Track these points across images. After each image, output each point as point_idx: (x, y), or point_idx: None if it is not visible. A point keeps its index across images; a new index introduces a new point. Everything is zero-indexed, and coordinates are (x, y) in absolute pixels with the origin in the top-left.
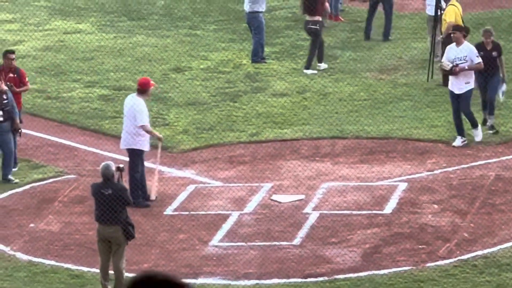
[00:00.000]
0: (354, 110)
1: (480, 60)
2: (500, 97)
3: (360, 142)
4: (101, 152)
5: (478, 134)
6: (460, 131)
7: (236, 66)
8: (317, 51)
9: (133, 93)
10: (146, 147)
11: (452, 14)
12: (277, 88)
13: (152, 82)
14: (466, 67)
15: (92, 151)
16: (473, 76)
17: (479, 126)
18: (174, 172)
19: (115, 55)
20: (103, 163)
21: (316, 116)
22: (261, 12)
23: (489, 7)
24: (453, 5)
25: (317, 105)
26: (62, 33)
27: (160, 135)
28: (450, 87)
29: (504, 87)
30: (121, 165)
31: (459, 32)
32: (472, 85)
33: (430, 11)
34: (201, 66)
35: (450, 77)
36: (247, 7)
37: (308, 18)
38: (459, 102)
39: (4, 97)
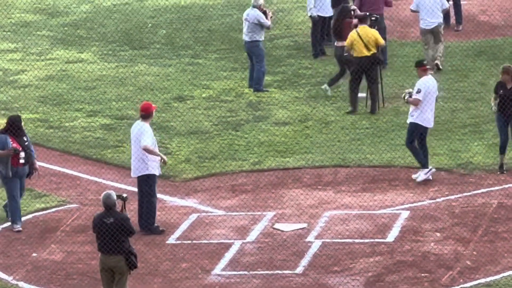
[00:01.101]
0: (357, 138)
1: (417, 96)
2: None
3: (362, 170)
4: (104, 181)
5: (420, 176)
6: (421, 163)
7: (238, 95)
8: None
9: (138, 120)
10: (157, 171)
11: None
12: (279, 117)
13: (153, 105)
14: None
15: (94, 180)
16: (418, 110)
17: (427, 169)
18: (177, 201)
19: (117, 84)
20: (104, 192)
21: (318, 144)
22: (260, 41)
23: (491, 35)
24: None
25: (319, 134)
26: (64, 63)
27: (165, 157)
28: None
29: None
30: (124, 195)
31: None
32: (415, 119)
33: (423, 24)
34: (203, 95)
35: None
36: (246, 37)
37: (337, 44)
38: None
39: (25, 138)
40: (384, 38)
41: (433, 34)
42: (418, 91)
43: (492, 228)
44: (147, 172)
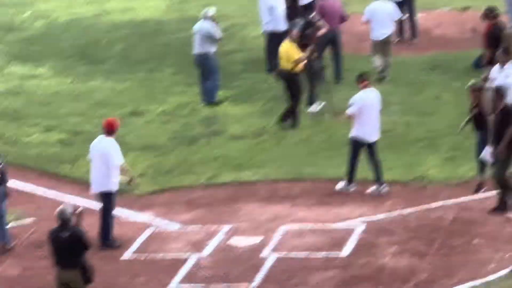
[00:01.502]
0: (312, 152)
1: (349, 110)
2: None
3: (318, 184)
4: (60, 196)
5: (340, 186)
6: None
7: (193, 110)
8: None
9: (101, 135)
10: (116, 187)
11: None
12: (234, 131)
13: (118, 121)
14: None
15: (51, 195)
16: (357, 124)
17: (347, 183)
18: (132, 215)
19: (73, 99)
20: (60, 207)
21: (273, 158)
22: (212, 53)
23: (446, 48)
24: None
25: (274, 148)
26: (20, 78)
27: (134, 174)
28: None
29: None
30: (80, 209)
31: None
32: (353, 133)
33: (374, 36)
34: (159, 110)
35: None
36: (197, 50)
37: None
38: None
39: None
40: (339, 54)
41: (384, 45)
42: (351, 105)
43: (448, 242)
44: (110, 188)
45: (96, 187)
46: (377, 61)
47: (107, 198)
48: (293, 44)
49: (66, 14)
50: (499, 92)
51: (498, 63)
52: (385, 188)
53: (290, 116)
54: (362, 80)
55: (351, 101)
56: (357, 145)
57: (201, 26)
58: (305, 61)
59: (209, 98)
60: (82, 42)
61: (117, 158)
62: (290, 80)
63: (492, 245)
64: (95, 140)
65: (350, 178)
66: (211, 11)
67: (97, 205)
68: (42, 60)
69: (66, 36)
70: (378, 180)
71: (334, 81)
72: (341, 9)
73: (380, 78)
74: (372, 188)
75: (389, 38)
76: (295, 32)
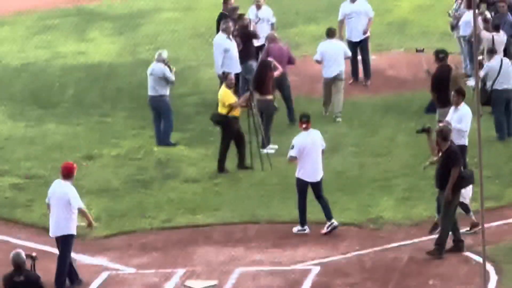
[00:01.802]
0: (266, 194)
1: (290, 153)
2: None
3: (272, 226)
4: (14, 240)
5: (295, 230)
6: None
7: (147, 153)
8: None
9: (58, 180)
10: (75, 231)
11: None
12: (188, 174)
13: (75, 165)
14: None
15: (4, 240)
16: (299, 165)
17: (300, 225)
18: (87, 259)
19: (26, 143)
20: (13, 251)
21: (228, 201)
22: (166, 95)
23: (399, 89)
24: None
25: (228, 190)
26: None
27: (92, 217)
28: None
29: None
30: (33, 254)
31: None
32: (297, 174)
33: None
34: (112, 153)
35: None
36: (151, 92)
37: (259, 97)
38: None
39: None
40: (289, 96)
41: (336, 82)
42: (292, 147)
43: (403, 282)
44: (69, 232)
45: (55, 231)
46: (327, 104)
47: (66, 241)
48: (227, 90)
49: (18, 58)
50: (442, 133)
51: (453, 105)
52: (334, 223)
53: (223, 164)
54: (302, 122)
55: (292, 143)
56: (301, 186)
57: (154, 68)
58: (242, 106)
59: (164, 141)
60: (34, 86)
61: (76, 201)
62: (224, 124)
63: (447, 286)
64: (53, 185)
65: (302, 221)
66: (164, 53)
67: (52, 249)
68: None
69: (18, 81)
70: (327, 218)
71: (289, 123)
72: (289, 52)
73: (334, 117)
74: (326, 226)
75: (340, 75)
76: (230, 77)
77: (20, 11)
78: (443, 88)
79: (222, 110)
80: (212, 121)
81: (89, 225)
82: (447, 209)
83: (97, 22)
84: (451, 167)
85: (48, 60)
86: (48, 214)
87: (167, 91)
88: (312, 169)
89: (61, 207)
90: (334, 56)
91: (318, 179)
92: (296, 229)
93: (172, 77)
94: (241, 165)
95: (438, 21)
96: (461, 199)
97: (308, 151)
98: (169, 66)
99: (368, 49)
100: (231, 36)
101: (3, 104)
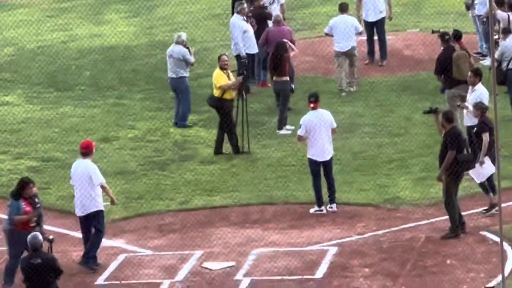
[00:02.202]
0: (283, 175)
1: (298, 133)
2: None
3: (289, 207)
4: None
5: (312, 210)
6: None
7: (163, 135)
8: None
9: (78, 159)
10: (102, 206)
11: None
12: (205, 156)
13: (93, 143)
14: None
15: None
16: (308, 145)
17: (317, 206)
18: (104, 241)
19: (42, 126)
20: (31, 234)
21: (245, 182)
22: (186, 76)
23: (415, 69)
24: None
25: (245, 172)
26: None
27: (113, 196)
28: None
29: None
30: (50, 236)
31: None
32: (308, 154)
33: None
34: (129, 136)
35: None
36: (171, 74)
37: (275, 78)
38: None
39: (36, 200)
40: (292, 78)
41: (348, 57)
42: (300, 127)
43: (420, 262)
44: (96, 209)
45: (81, 211)
46: (342, 76)
47: (96, 218)
48: (221, 71)
49: (35, 41)
50: (447, 116)
51: (470, 85)
52: (332, 208)
53: (221, 146)
54: (310, 101)
55: (300, 122)
56: (313, 166)
57: (174, 50)
58: (236, 88)
59: (181, 122)
60: (50, 69)
61: (97, 178)
62: (218, 107)
63: (464, 266)
64: (74, 164)
65: (318, 201)
66: (183, 35)
67: (69, 232)
68: (11, 88)
69: (34, 64)
70: (329, 199)
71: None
72: (290, 35)
73: (347, 91)
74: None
75: (352, 50)
76: (223, 58)
77: None
78: (448, 69)
79: (215, 93)
80: (208, 104)
81: (112, 202)
82: (446, 192)
83: (113, 4)
84: (449, 149)
85: (64, 43)
86: (68, 196)
87: (186, 73)
88: (320, 148)
89: (84, 185)
90: (344, 31)
91: (328, 158)
92: (313, 210)
93: (191, 58)
94: (236, 149)
95: (453, 0)
96: (478, 179)
97: (316, 130)
98: (188, 48)
99: (385, 29)
100: (245, 18)
101: (20, 87)
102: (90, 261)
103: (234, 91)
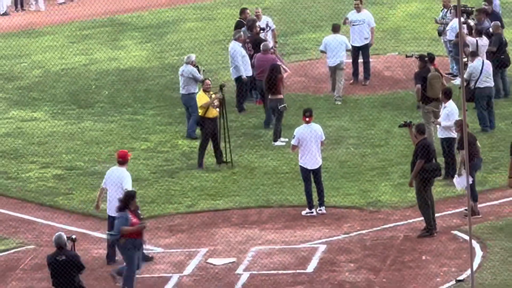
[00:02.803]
0: (278, 182)
1: (291, 142)
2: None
3: (284, 210)
4: (57, 224)
5: (304, 212)
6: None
7: (173, 146)
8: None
9: (114, 166)
10: None
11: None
12: (209, 164)
13: (129, 153)
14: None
15: (48, 224)
16: (300, 154)
17: (308, 208)
18: None
19: (66, 139)
20: (56, 234)
21: (244, 188)
22: (195, 93)
23: (394, 88)
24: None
25: (245, 179)
26: (20, 121)
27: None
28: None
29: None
30: (73, 236)
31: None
32: (299, 162)
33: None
34: (142, 147)
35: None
36: (182, 90)
37: (270, 97)
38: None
39: (139, 211)
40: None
41: (337, 71)
42: (293, 137)
43: (399, 258)
44: None
45: (113, 211)
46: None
47: None
48: (203, 93)
49: (59, 64)
50: (419, 128)
51: (441, 102)
52: (321, 210)
53: (201, 160)
54: (305, 115)
55: (294, 133)
56: (304, 172)
57: (184, 69)
58: (216, 107)
59: (189, 134)
60: (73, 88)
61: (127, 184)
62: (200, 124)
63: (438, 261)
64: (109, 170)
65: (309, 204)
66: (193, 56)
67: (90, 232)
68: (39, 105)
69: (59, 84)
70: (319, 203)
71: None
72: (274, 61)
73: (334, 100)
74: (315, 209)
75: (340, 65)
76: (206, 82)
77: (60, 22)
78: (423, 88)
79: (200, 112)
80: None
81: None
82: (418, 196)
83: (128, 31)
84: (418, 158)
85: (85, 66)
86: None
87: (195, 89)
88: (311, 158)
89: (115, 189)
90: (336, 48)
91: (317, 166)
92: (304, 212)
93: (200, 77)
94: (219, 160)
95: (427, 28)
96: (458, 187)
97: (308, 141)
98: (197, 67)
99: (369, 53)
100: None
101: (46, 105)
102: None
103: (217, 109)
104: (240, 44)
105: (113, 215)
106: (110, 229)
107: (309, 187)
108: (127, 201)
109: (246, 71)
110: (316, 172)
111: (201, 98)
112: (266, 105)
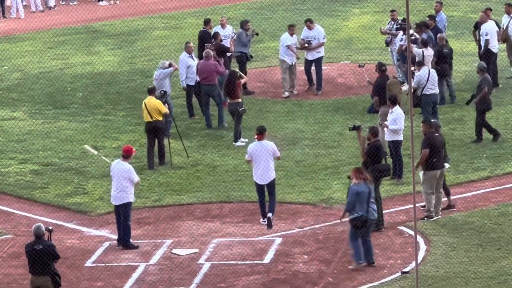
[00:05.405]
0: (238, 179)
1: (245, 157)
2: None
3: (243, 205)
4: (33, 216)
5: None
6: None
7: (141, 145)
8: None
9: (118, 160)
10: (133, 199)
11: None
12: (175, 162)
13: (134, 149)
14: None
15: (25, 215)
16: (253, 169)
17: (262, 218)
18: (92, 231)
19: (43, 137)
20: (35, 224)
21: (207, 184)
22: (169, 95)
23: (347, 94)
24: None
25: (208, 176)
26: (0, 120)
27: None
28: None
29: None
30: (50, 227)
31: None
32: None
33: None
34: (113, 145)
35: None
36: (158, 92)
37: (229, 101)
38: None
39: None
40: (220, 103)
41: (291, 69)
42: (247, 153)
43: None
44: (127, 201)
45: (117, 200)
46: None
47: (126, 208)
48: (158, 100)
49: (37, 68)
50: (373, 130)
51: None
52: (270, 217)
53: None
54: (256, 134)
55: (247, 149)
56: (257, 187)
57: (158, 73)
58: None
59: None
60: (50, 90)
61: (135, 177)
62: (162, 129)
63: (385, 254)
64: (113, 163)
65: (262, 213)
66: (166, 62)
67: (65, 224)
68: (18, 105)
69: (37, 86)
70: (269, 210)
71: (219, 126)
72: (215, 67)
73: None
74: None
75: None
76: (160, 91)
77: (39, 29)
78: (382, 93)
79: (159, 118)
80: (151, 129)
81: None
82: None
83: (101, 38)
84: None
85: (61, 69)
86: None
87: (169, 90)
88: (262, 173)
89: (121, 181)
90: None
91: (268, 181)
92: (261, 220)
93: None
94: (162, 161)
95: (378, 38)
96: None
97: (259, 157)
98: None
99: (321, 65)
100: (192, 55)
101: (25, 105)
102: (128, 244)
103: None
104: (188, 55)
105: (117, 203)
106: (118, 218)
107: (262, 199)
108: None
109: (191, 81)
110: (268, 186)
111: (161, 105)
112: (220, 108)
